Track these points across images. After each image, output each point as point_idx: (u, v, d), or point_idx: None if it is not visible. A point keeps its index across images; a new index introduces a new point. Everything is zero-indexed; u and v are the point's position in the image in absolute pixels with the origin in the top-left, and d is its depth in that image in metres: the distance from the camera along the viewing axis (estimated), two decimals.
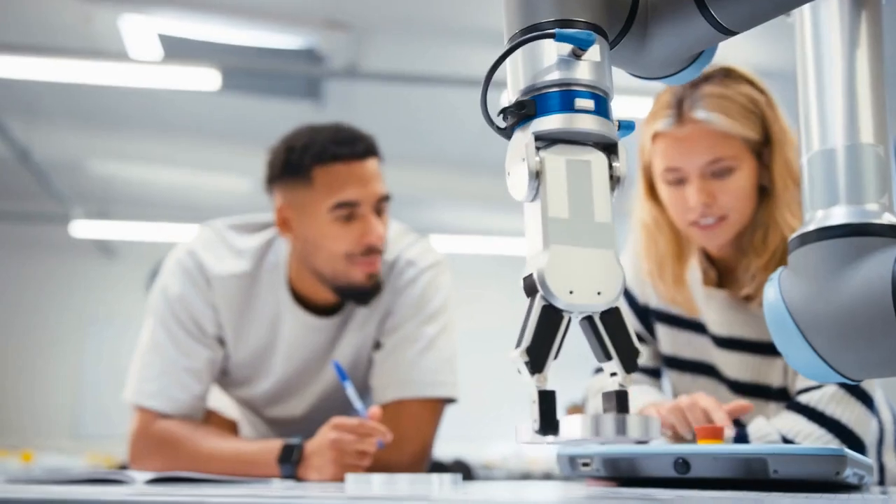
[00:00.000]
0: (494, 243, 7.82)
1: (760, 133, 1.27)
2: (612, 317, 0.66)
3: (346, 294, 1.52)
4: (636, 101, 4.49)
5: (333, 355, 1.57)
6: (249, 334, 1.57)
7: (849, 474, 0.88)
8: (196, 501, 0.68)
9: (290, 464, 1.33)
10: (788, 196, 1.27)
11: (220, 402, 1.70)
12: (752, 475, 0.89)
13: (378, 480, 1.12)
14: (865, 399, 1.22)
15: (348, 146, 1.47)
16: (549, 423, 0.64)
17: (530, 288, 0.66)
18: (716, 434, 0.99)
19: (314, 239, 1.48)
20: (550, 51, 0.67)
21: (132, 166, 7.03)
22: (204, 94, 5.68)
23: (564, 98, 0.67)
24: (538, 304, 0.65)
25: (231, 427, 1.62)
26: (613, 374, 0.66)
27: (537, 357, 0.64)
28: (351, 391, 1.35)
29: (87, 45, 5.01)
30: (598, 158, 0.68)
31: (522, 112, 0.67)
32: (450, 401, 1.54)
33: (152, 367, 1.51)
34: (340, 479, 1.29)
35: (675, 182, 1.29)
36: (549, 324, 0.65)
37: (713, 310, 1.37)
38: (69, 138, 6.53)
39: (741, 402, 1.18)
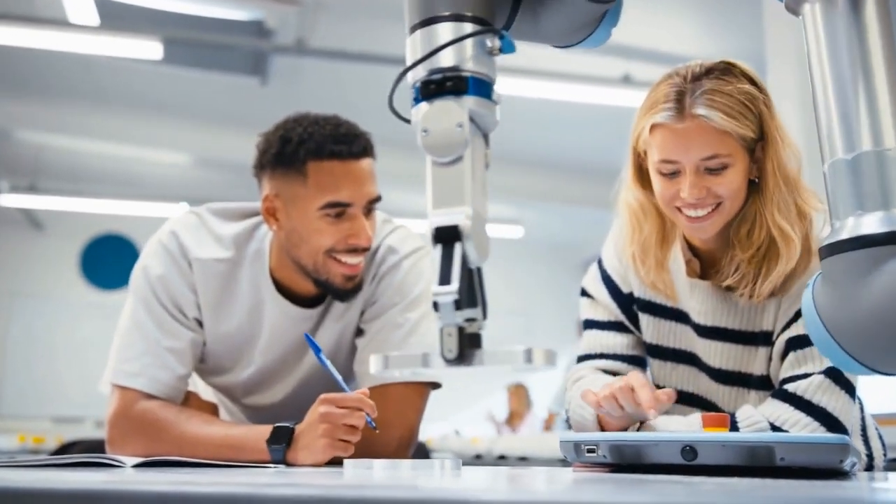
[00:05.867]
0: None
1: (756, 131, 1.29)
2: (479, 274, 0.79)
3: (326, 288, 1.52)
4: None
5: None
6: (229, 321, 1.55)
7: (847, 462, 0.92)
8: (221, 492, 0.67)
9: (281, 447, 1.31)
10: (779, 195, 1.31)
11: (196, 386, 1.67)
12: (758, 462, 0.92)
13: (379, 466, 1.12)
14: (849, 388, 1.26)
15: (346, 144, 1.45)
16: (462, 355, 0.75)
17: (448, 236, 0.76)
18: (722, 422, 1.02)
19: (300, 232, 1.47)
20: (473, 41, 0.79)
21: (65, 137, 6.77)
22: (143, 64, 5.51)
23: (489, 88, 0.80)
24: (459, 251, 0.76)
25: (212, 409, 1.59)
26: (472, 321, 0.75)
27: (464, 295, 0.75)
28: (329, 364, 1.35)
29: (24, 6, 4.80)
30: None
31: (457, 86, 0.78)
32: (435, 386, 1.54)
33: (133, 347, 1.48)
34: (330, 459, 1.28)
35: (670, 174, 1.31)
36: (466, 270, 0.77)
37: (696, 299, 1.40)
38: None
39: (667, 390, 1.24)
